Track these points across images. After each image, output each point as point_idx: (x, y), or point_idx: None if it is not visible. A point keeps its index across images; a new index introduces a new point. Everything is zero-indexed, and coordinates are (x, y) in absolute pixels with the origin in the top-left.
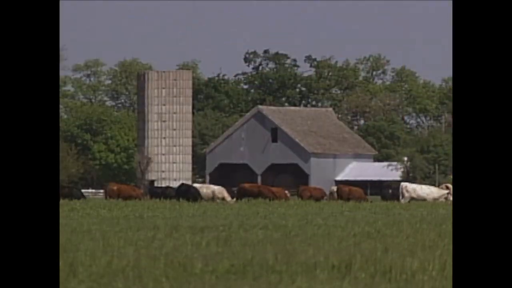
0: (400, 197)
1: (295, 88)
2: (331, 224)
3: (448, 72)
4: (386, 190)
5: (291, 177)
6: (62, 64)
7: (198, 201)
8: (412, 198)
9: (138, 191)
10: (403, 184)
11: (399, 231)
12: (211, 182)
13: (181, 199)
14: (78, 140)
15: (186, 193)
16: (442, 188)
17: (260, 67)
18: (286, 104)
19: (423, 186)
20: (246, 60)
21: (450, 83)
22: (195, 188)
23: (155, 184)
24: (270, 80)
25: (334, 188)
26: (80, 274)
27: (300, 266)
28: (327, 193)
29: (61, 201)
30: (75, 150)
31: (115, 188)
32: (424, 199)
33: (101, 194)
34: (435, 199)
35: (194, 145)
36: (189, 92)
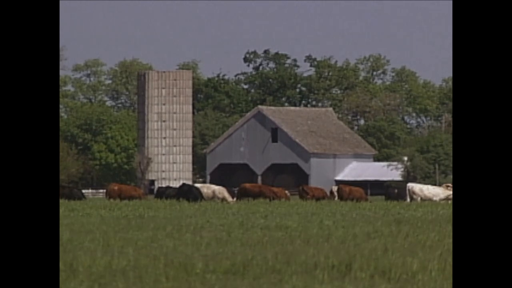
0: (408, 198)
1: (295, 88)
2: (331, 224)
3: (448, 72)
4: (392, 190)
5: (291, 177)
6: (62, 64)
7: (199, 201)
8: (420, 199)
9: (139, 191)
10: (410, 185)
11: (399, 231)
12: (211, 182)
13: (182, 199)
14: (78, 140)
15: (187, 193)
16: (444, 188)
17: (260, 67)
18: (286, 104)
19: (429, 187)
20: (246, 60)
21: (450, 83)
22: (197, 188)
23: (156, 184)
24: (270, 80)
25: (335, 188)
26: (80, 274)
27: (300, 266)
28: (328, 193)
29: (61, 201)
30: (75, 150)
31: (116, 188)
32: (429, 200)
33: (101, 194)
34: (441, 200)
35: (194, 145)
36: (189, 92)
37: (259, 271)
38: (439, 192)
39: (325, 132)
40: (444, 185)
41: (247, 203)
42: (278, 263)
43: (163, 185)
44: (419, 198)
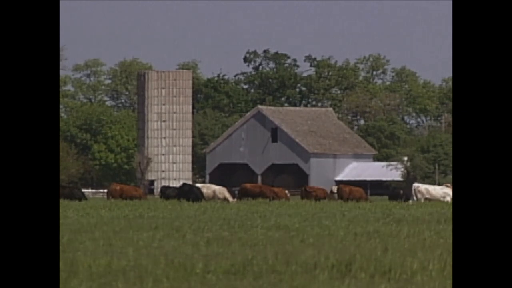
0: (413, 198)
1: (295, 88)
2: (331, 224)
3: (448, 72)
4: (397, 191)
5: (291, 177)
6: (62, 64)
7: (200, 201)
8: (425, 199)
9: (140, 191)
10: (415, 184)
11: (399, 231)
12: (211, 182)
13: (183, 199)
14: (77, 140)
15: (188, 193)
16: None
17: (260, 67)
18: (286, 104)
19: (436, 187)
20: (246, 60)
21: (450, 83)
22: (198, 188)
23: (155, 184)
24: (270, 80)
25: (335, 188)
26: (80, 274)
27: (300, 266)
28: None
29: (61, 201)
30: (75, 150)
31: (117, 188)
32: (437, 200)
33: (101, 194)
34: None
35: (194, 145)
36: (189, 92)
37: (259, 271)
38: (449, 193)
39: (325, 132)
40: (444, 184)
41: (247, 203)
42: (278, 263)
43: (163, 185)
44: (422, 198)
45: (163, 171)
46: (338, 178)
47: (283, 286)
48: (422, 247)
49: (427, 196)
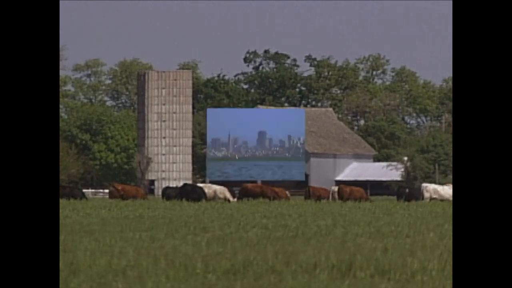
0: (421, 197)
1: (295, 88)
2: (331, 224)
3: (448, 72)
4: (402, 190)
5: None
6: (62, 64)
7: (202, 201)
8: (432, 199)
9: (141, 191)
10: (424, 184)
11: (399, 231)
12: (211, 182)
13: (185, 199)
14: (77, 140)
15: (191, 193)
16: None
17: (260, 67)
18: (286, 104)
19: (445, 187)
20: (246, 60)
21: (450, 83)
22: (200, 188)
23: (156, 184)
24: (270, 80)
25: (335, 188)
26: (80, 274)
27: (300, 266)
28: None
29: (61, 201)
30: (75, 150)
31: (119, 188)
32: (447, 200)
33: (101, 194)
34: None
35: (194, 145)
36: (189, 92)
37: (259, 271)
38: None
39: (325, 132)
40: (444, 184)
41: (247, 203)
42: (278, 263)
43: (163, 185)
44: (429, 198)
45: (163, 171)
46: (338, 178)
47: (283, 286)
48: (422, 247)
49: (435, 196)
